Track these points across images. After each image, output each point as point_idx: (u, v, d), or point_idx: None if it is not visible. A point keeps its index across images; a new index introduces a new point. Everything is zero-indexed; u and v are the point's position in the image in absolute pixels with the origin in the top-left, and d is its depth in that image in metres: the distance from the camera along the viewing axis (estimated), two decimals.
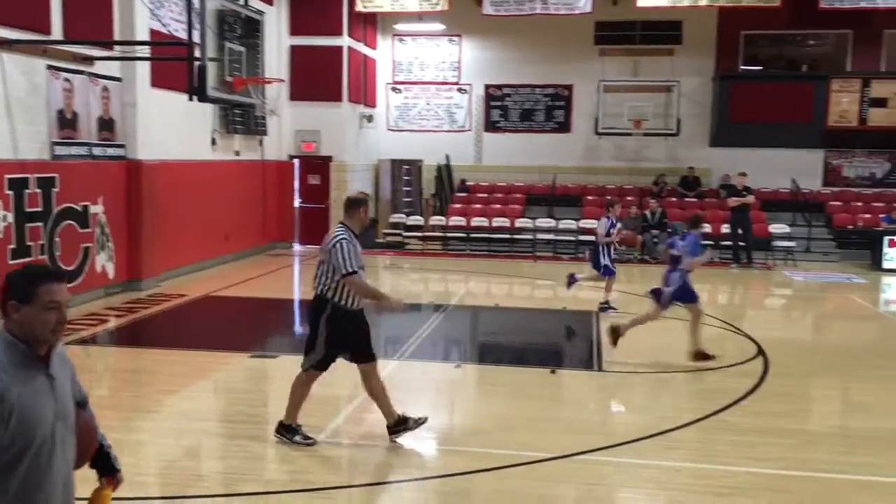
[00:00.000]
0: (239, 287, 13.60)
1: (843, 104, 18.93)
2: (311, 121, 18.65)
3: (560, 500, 5.35)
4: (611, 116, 20.37)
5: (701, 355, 8.77)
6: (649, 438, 6.32)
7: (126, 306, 11.49)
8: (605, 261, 11.74)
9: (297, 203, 19.19)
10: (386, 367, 8.73)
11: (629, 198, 19.74)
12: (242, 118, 16.26)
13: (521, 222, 19.35)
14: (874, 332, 11.57)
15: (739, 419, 6.93)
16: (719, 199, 19.26)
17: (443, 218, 19.68)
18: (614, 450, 6.07)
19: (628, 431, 6.48)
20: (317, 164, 19.00)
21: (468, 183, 21.23)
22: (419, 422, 6.19)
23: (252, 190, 17.34)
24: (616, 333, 9.00)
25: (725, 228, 17.84)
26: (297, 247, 18.93)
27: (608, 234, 11.74)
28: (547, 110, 21.32)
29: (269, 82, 15.65)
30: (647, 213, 18.30)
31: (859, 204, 19.37)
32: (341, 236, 5.88)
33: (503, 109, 21.46)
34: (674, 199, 19.77)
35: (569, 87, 21.05)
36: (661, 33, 20.28)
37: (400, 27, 21.13)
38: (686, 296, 8.88)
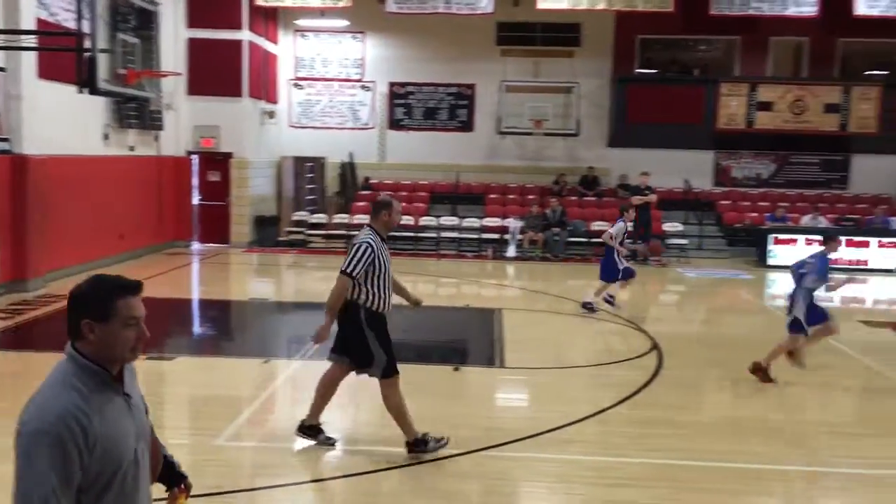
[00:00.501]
0: None
1: (732, 107, 19.79)
2: (211, 116, 18.19)
3: (464, 496, 5.40)
4: (513, 116, 20.68)
5: (763, 372, 8.34)
6: (550, 433, 6.45)
7: (11, 308, 10.93)
8: (621, 265, 11.74)
9: (196, 200, 18.69)
10: (289, 368, 8.63)
11: (530, 196, 20.12)
12: (137, 112, 15.71)
13: (424, 220, 19.42)
14: (761, 326, 12.13)
15: (635, 412, 7.17)
16: (618, 198, 19.82)
17: (347, 216, 19.55)
18: (516, 445, 6.18)
19: (529, 426, 6.60)
20: (216, 161, 18.55)
21: (372, 181, 21.15)
22: (328, 441, 6.09)
23: (148, 187, 16.78)
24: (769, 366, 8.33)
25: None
26: (196, 245, 18.43)
27: (622, 240, 11.81)
28: (450, 109, 21.46)
29: (164, 75, 15.19)
30: (548, 211, 18.68)
31: (747, 203, 20.31)
32: (366, 240, 5.78)
33: (407, 107, 21.48)
34: (574, 197, 20.24)
35: (472, 87, 21.25)
36: (561, 35, 20.72)
37: (302, 23, 20.85)
38: (817, 316, 8.32)
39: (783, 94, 19.67)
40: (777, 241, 17.70)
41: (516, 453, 6.05)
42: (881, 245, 17.66)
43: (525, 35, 20.76)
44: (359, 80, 21.35)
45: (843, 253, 17.47)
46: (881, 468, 5.99)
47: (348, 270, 5.69)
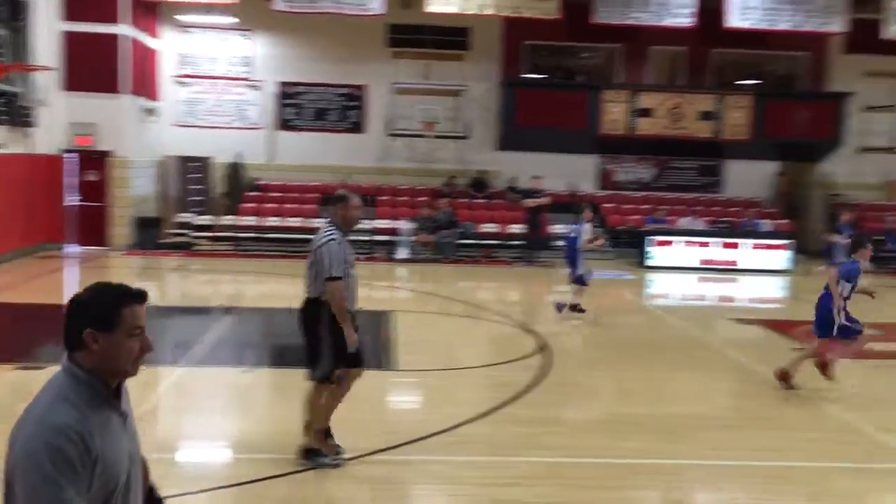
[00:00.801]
0: (2, 293, 12.42)
1: (615, 113, 20.47)
2: (88, 113, 17.40)
3: (355, 501, 5.37)
4: (403, 118, 20.73)
5: (787, 377, 8.31)
6: (439, 435, 6.50)
7: None
8: (581, 270, 11.69)
9: (73, 201, 17.83)
10: (173, 374, 8.35)
11: (421, 198, 20.20)
12: (6, 108, 14.86)
13: (316, 222, 19.17)
14: (643, 325, 12.61)
15: (524, 411, 7.31)
16: (507, 200, 20.16)
17: (234, 217, 19.10)
18: (406, 448, 6.19)
19: (419, 429, 6.62)
20: (94, 160, 17.77)
21: (261, 182, 20.74)
22: (334, 460, 5.79)
23: (17, 186, 15.87)
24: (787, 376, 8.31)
25: (516, 228, 18.75)
26: (71, 248, 17.57)
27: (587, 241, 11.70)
28: (341, 110, 21.30)
29: (35, 70, 14.43)
30: (438, 213, 18.81)
31: (630, 206, 21.07)
32: (330, 236, 5.60)
33: (297, 108, 21.19)
34: (464, 200, 20.46)
35: (363, 88, 21.16)
36: (451, 39, 20.92)
37: (186, 18, 20.24)
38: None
39: (662, 101, 20.50)
40: (657, 244, 18.43)
41: (406, 456, 6.07)
42: (756, 247, 18.62)
43: (416, 38, 20.85)
44: (247, 79, 20.90)
45: (716, 254, 18.41)
46: (752, 459, 6.32)
47: (334, 275, 5.50)
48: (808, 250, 19.99)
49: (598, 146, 21.39)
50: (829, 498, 5.74)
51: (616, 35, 20.14)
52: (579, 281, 11.82)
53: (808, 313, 10.24)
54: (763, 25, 18.42)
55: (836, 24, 18.24)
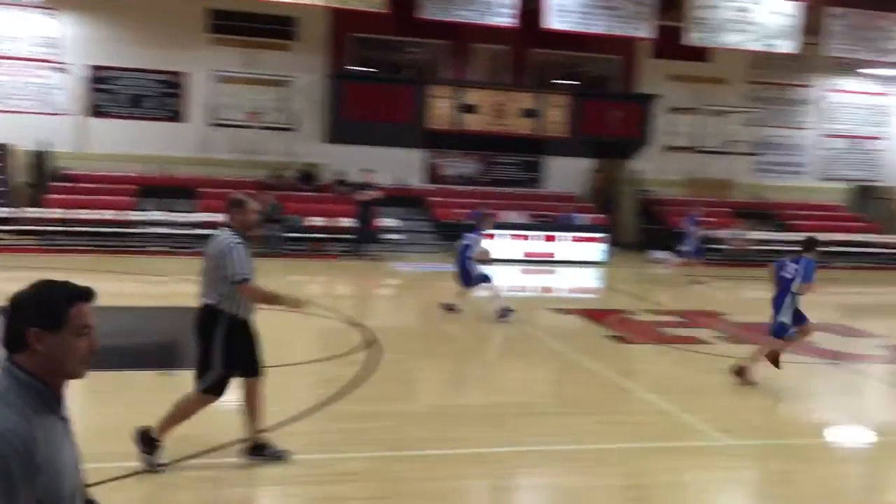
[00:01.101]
0: None
1: (441, 109, 20.80)
2: None
3: None
4: (227, 108, 20.07)
5: (744, 373, 8.53)
6: (264, 433, 6.32)
7: None
8: (477, 270, 11.68)
9: None
10: None
11: (246, 191, 19.58)
12: None
13: (132, 215, 18.18)
14: (468, 317, 12.89)
15: (350, 407, 7.26)
16: (336, 193, 19.99)
17: (40, 210, 17.72)
18: (231, 450, 5.98)
19: (245, 429, 6.41)
20: None
21: (71, 171, 19.37)
22: (276, 455, 5.77)
23: None
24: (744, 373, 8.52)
25: (347, 222, 18.61)
26: None
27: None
28: (159, 97, 20.32)
29: None
30: (264, 206, 18.34)
31: (457, 200, 21.48)
32: (235, 240, 5.47)
33: (110, 94, 19.99)
34: (292, 192, 20.08)
35: (182, 75, 20.26)
36: (276, 28, 20.46)
37: None
38: (799, 318, 8.53)
39: (486, 98, 21.05)
40: (487, 237, 18.88)
41: (231, 458, 5.86)
42: (575, 240, 19.53)
43: (239, 25, 20.23)
44: (52, 61, 19.43)
45: (537, 246, 19.17)
46: (572, 443, 6.61)
47: (246, 275, 5.42)
48: (621, 243, 21.28)
49: (426, 141, 21.66)
50: (644, 476, 6.10)
51: (442, 31, 20.45)
52: (483, 280, 11.82)
53: (622, 302, 10.81)
54: (578, 28, 19.30)
55: (644, 30, 19.45)
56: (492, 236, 18.79)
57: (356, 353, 9.21)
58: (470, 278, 11.87)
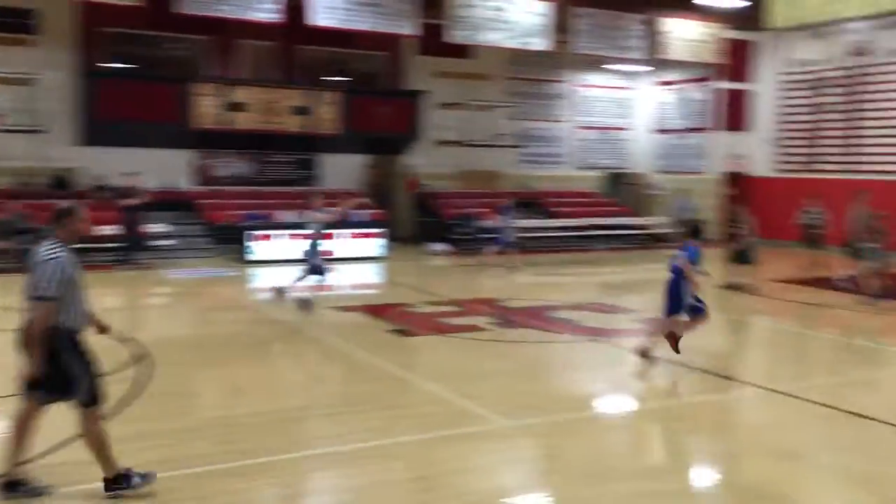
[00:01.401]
0: None
1: (207, 107, 19.98)
2: None
3: None
4: None
5: (647, 353, 9.23)
6: (26, 464, 5.75)
7: None
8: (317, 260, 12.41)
9: None
10: None
11: None
12: None
13: None
14: (247, 321, 12.54)
15: (118, 428, 6.76)
16: (95, 199, 18.59)
17: None
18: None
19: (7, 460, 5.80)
20: None
21: None
22: (36, 491, 5.39)
23: None
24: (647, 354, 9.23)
25: (111, 230, 17.35)
26: None
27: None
28: None
29: None
30: (11, 216, 16.70)
31: (230, 201, 20.76)
32: (53, 254, 5.20)
33: None
34: (44, 199, 18.38)
35: None
36: (13, 21, 18.65)
37: None
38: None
39: (255, 95, 20.53)
40: (256, 238, 18.47)
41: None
42: (353, 236, 19.54)
43: None
44: None
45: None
46: (358, 442, 6.60)
47: (49, 294, 5.08)
48: (399, 237, 21.65)
49: (193, 141, 20.75)
50: (429, 466, 6.23)
51: (204, 26, 19.64)
52: (317, 271, 12.53)
53: (402, 295, 10.93)
54: (344, 25, 19.26)
55: (408, 28, 19.81)
56: (268, 237, 18.54)
57: (124, 371, 8.64)
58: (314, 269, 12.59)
